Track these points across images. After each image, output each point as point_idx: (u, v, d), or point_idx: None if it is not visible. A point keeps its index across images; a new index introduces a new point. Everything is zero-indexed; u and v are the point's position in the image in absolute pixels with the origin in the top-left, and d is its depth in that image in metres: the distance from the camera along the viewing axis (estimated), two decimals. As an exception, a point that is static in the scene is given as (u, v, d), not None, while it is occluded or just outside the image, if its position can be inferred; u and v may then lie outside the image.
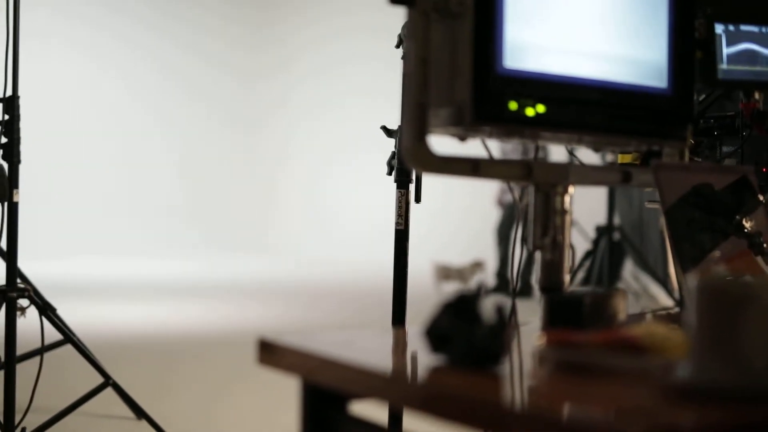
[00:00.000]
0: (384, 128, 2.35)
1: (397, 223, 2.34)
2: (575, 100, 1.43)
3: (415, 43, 1.38)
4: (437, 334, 1.07)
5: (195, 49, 12.39)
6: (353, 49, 11.86)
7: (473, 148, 1.48)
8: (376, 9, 10.19)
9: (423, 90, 1.38)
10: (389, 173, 2.34)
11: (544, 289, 1.39)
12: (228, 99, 12.72)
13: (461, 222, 10.26)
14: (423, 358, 1.16)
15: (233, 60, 12.76)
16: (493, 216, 8.42)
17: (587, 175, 1.52)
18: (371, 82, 11.47)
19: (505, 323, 1.04)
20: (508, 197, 7.98)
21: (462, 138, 1.44)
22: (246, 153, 12.82)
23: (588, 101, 1.45)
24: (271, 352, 1.24)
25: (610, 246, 6.88)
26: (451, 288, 8.09)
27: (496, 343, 1.03)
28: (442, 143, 1.42)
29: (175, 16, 12.17)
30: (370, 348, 1.33)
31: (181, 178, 12.28)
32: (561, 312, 1.24)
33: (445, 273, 8.07)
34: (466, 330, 1.02)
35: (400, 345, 1.37)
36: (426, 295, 7.85)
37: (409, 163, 1.36)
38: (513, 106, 1.38)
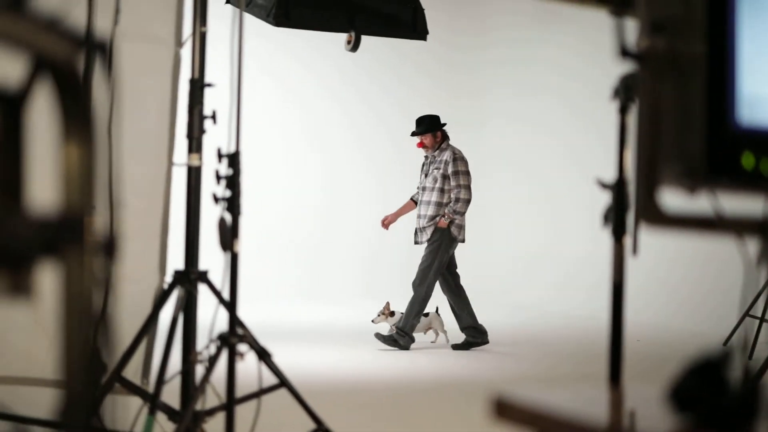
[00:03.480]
0: (599, 181, 2.34)
1: (613, 277, 2.31)
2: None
3: (645, 98, 1.38)
4: (683, 394, 1.06)
5: (399, 101, 12.65)
6: (557, 101, 11.81)
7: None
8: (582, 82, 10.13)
9: (654, 144, 1.38)
10: (604, 225, 2.33)
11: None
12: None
13: (682, 278, 9.89)
14: (665, 418, 1.14)
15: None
16: (724, 272, 7.91)
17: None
18: (578, 131, 11.42)
19: (756, 386, 1.01)
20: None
21: (693, 193, 1.41)
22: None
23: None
24: (505, 408, 1.25)
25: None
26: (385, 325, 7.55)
27: (747, 406, 1.00)
28: (672, 198, 1.41)
29: (385, 66, 12.47)
30: (604, 404, 1.32)
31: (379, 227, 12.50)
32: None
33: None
34: (715, 391, 1.01)
35: (633, 403, 1.35)
36: (638, 352, 7.63)
37: (641, 218, 1.35)
38: (748, 161, 1.35)
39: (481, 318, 7.60)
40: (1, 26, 0.88)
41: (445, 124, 7.52)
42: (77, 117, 1.02)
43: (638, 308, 8.51)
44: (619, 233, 2.32)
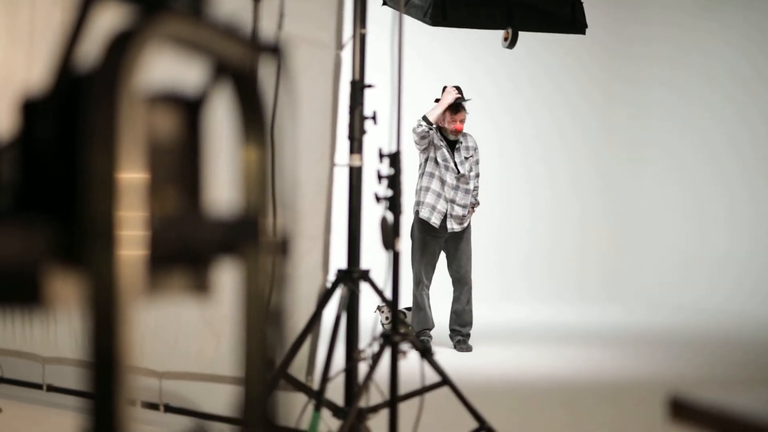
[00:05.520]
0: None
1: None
2: None
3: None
4: None
5: (565, 95, 12.51)
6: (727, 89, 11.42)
7: None
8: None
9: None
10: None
11: None
12: (586, 135, 12.64)
13: None
14: None
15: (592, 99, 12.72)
16: None
17: None
18: (747, 135, 11.05)
19: None
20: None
21: None
22: (602, 194, 12.65)
23: None
24: (684, 410, 1.21)
25: None
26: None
27: None
28: None
29: (546, 60, 12.37)
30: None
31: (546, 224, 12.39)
32: None
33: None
34: None
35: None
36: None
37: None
38: None
39: (646, 319, 7.38)
40: (184, 32, 0.91)
41: None
42: (255, 120, 1.05)
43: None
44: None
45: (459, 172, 6.85)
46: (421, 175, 6.95)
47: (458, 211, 6.84)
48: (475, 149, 6.98)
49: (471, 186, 6.93)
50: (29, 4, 4.53)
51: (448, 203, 6.84)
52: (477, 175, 7.00)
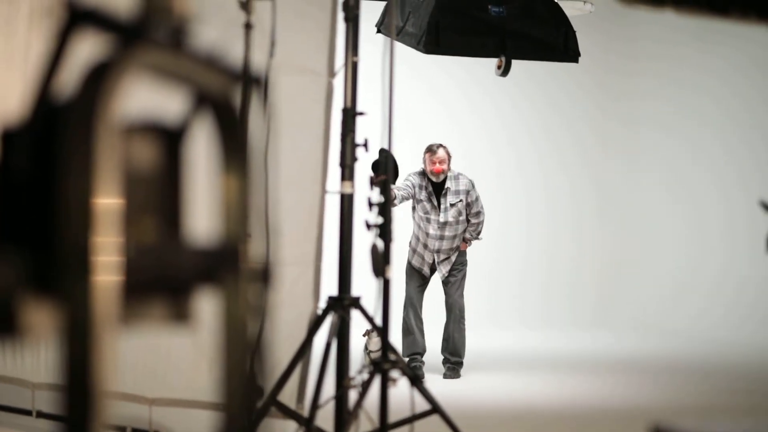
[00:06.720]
0: (763, 204, 2.25)
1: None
2: None
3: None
4: None
5: (555, 124, 12.55)
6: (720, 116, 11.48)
7: None
8: None
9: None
10: (768, 250, 2.23)
11: None
12: (582, 157, 12.66)
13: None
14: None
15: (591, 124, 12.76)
16: None
17: None
18: (743, 150, 11.09)
19: None
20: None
21: None
22: (598, 215, 12.66)
23: None
24: (664, 440, 1.21)
25: None
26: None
27: None
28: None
29: (539, 88, 12.42)
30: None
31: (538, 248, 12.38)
32: None
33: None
34: None
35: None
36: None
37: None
38: None
39: (637, 345, 7.37)
40: (164, 62, 0.92)
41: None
42: (235, 148, 1.06)
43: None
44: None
45: (440, 221, 6.75)
46: (413, 217, 6.94)
47: (443, 256, 6.83)
48: (467, 192, 6.79)
49: (460, 228, 6.81)
50: (26, 27, 4.54)
51: (434, 253, 6.83)
52: (477, 213, 6.87)
